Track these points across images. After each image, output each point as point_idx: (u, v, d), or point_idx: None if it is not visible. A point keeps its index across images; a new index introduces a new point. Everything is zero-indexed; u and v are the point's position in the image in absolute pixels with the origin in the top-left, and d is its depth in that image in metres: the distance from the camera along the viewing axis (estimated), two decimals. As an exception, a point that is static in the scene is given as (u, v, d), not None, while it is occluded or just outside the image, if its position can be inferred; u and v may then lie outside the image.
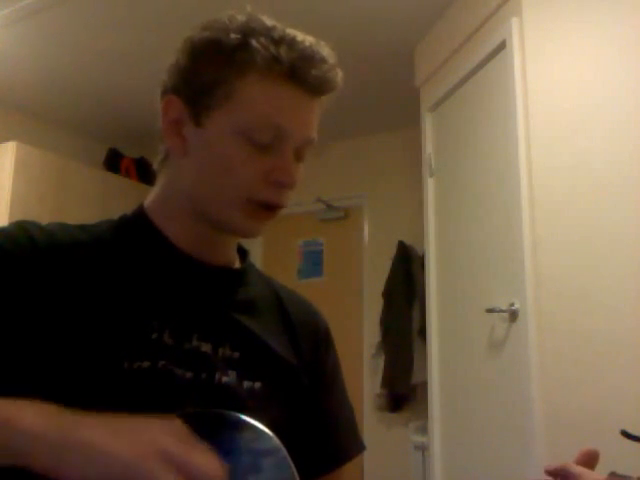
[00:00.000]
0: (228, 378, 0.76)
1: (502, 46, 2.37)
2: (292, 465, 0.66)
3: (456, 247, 2.76)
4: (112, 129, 4.15)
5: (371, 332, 3.87)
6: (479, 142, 2.61)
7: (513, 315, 2.22)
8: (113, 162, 4.23)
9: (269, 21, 0.76)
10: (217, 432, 0.65)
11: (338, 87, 0.79)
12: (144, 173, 4.20)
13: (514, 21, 2.29)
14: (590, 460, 0.65)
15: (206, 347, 0.77)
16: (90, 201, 3.80)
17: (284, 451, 0.66)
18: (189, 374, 0.74)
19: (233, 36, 0.75)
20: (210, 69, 0.76)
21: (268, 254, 4.36)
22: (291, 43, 0.75)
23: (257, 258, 4.28)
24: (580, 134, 2.09)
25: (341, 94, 0.80)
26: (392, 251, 3.78)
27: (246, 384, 0.78)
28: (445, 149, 2.94)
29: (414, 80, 3.17)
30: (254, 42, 0.74)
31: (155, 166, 0.85)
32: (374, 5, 2.78)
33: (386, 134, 4.11)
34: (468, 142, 2.70)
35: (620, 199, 1.98)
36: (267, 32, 0.75)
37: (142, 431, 0.55)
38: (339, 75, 0.78)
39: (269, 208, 0.78)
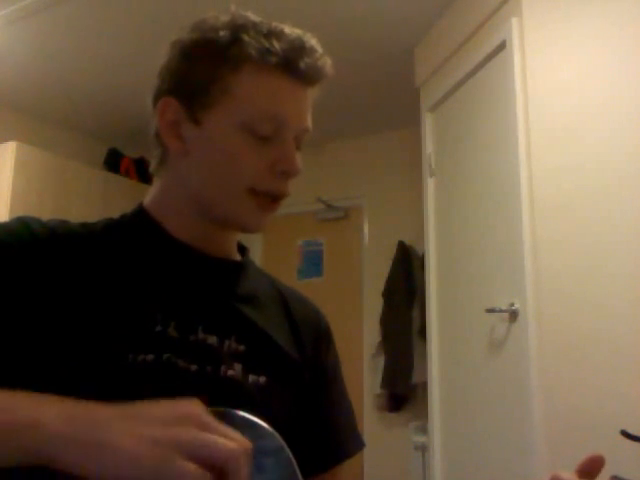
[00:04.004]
0: (234, 371, 0.76)
1: (502, 46, 2.37)
2: (295, 465, 0.66)
3: (456, 247, 2.76)
4: (112, 129, 4.14)
5: (371, 332, 3.87)
6: (479, 142, 2.60)
7: (513, 315, 2.22)
8: (113, 162, 4.23)
9: (254, 17, 0.78)
10: None
11: (329, 75, 0.81)
12: (144, 173, 4.20)
13: (514, 21, 2.29)
14: (594, 466, 0.64)
15: (212, 339, 0.76)
16: (90, 201, 3.80)
17: (287, 450, 0.66)
18: (194, 367, 0.73)
19: (223, 33, 0.76)
20: (204, 68, 0.77)
21: (268, 254, 4.36)
22: (280, 35, 0.77)
23: (257, 258, 4.28)
24: (580, 134, 2.09)
25: (341, 94, 0.81)
26: (392, 251, 3.78)
27: (251, 378, 0.77)
28: (445, 149, 2.94)
29: (414, 80, 3.17)
30: (245, 37, 0.76)
31: (151, 170, 0.85)
32: (374, 5, 2.78)
33: (386, 134, 4.10)
34: (468, 142, 2.70)
35: (620, 199, 1.98)
36: (255, 27, 0.77)
37: (163, 426, 0.52)
38: (329, 63, 0.80)
39: (274, 199, 0.79)
